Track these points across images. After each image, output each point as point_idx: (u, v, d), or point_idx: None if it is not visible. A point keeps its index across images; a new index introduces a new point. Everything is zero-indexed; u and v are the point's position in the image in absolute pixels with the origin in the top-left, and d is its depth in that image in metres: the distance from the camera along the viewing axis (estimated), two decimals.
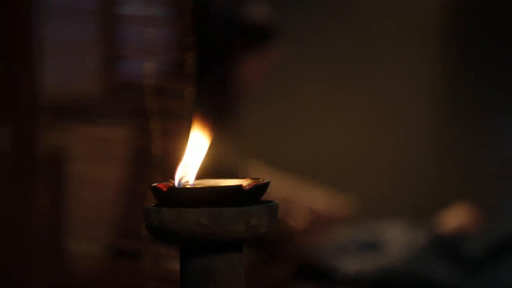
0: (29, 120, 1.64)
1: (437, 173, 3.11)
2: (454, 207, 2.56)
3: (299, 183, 2.57)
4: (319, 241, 2.49)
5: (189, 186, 0.78)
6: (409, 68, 3.18)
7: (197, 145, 0.80)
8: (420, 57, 3.17)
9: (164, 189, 0.74)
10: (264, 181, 0.77)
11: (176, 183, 0.78)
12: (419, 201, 2.94)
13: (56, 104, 1.77)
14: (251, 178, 0.78)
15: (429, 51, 3.18)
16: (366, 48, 3.18)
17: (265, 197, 0.79)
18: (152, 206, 0.75)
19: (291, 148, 3.13)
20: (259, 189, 0.76)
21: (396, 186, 3.10)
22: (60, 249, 1.65)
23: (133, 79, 1.56)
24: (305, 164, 3.08)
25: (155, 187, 0.75)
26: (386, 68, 3.18)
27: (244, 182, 0.77)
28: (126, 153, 1.75)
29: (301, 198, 2.49)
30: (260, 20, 2.45)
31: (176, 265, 0.81)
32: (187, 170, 0.78)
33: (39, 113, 1.66)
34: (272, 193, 0.80)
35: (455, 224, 2.46)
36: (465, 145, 3.11)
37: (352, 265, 2.38)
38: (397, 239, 2.46)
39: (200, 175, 0.79)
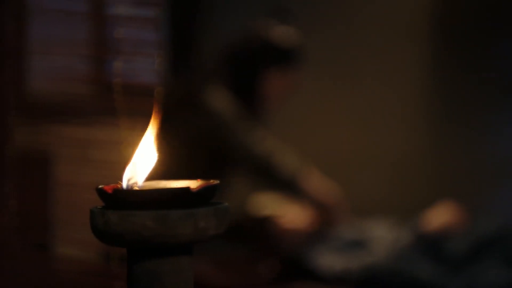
0: (9, 120, 1.63)
1: (423, 172, 3.10)
2: (439, 206, 2.55)
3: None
4: (306, 239, 2.48)
5: (137, 188, 0.76)
6: (401, 67, 3.17)
7: (146, 145, 0.78)
8: (412, 56, 3.16)
9: (109, 191, 0.73)
10: (213, 183, 0.75)
11: (124, 185, 0.76)
12: (405, 199, 2.93)
13: (35, 105, 1.75)
14: (202, 180, 0.77)
15: (420, 50, 3.16)
16: (357, 48, 3.17)
17: None
18: (98, 208, 0.74)
19: None
20: (208, 190, 0.75)
21: (383, 184, 3.09)
22: (35, 250, 1.64)
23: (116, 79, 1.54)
24: None
25: (100, 189, 0.73)
26: (377, 67, 3.17)
27: (193, 184, 0.75)
28: (106, 153, 1.74)
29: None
30: (286, 42, 2.49)
31: None
32: (136, 171, 0.77)
33: (18, 113, 1.64)
34: None
35: (440, 223, 2.46)
36: (452, 144, 3.10)
37: (338, 263, 2.37)
38: (383, 237, 2.45)
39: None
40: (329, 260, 2.38)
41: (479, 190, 2.97)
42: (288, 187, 2.51)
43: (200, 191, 0.73)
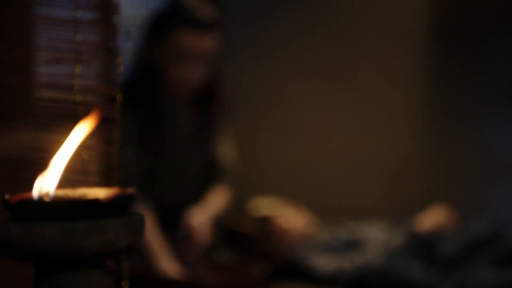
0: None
1: (417, 174, 3.06)
2: (431, 208, 2.53)
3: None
4: (300, 240, 2.47)
5: (47, 198, 0.72)
6: (398, 70, 3.13)
7: (66, 151, 0.75)
8: (409, 60, 3.12)
9: (13, 202, 0.69)
10: (127, 192, 0.72)
11: (35, 194, 0.72)
12: (399, 202, 2.90)
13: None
14: (120, 188, 0.73)
15: (418, 54, 3.12)
16: (355, 52, 3.13)
17: None
18: (2, 220, 0.70)
19: (273, 151, 3.10)
20: (120, 201, 0.71)
21: (377, 187, 3.05)
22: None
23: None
24: (286, 167, 3.05)
25: (5, 200, 0.70)
26: (375, 70, 3.13)
27: (106, 193, 0.72)
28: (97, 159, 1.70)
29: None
30: (196, 8, 2.35)
31: None
32: (48, 180, 0.73)
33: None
34: None
35: (432, 224, 2.44)
36: (445, 147, 3.06)
37: (332, 263, 2.35)
38: (376, 238, 2.43)
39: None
40: (323, 260, 2.37)
41: (471, 192, 2.93)
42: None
43: (110, 202, 0.70)
